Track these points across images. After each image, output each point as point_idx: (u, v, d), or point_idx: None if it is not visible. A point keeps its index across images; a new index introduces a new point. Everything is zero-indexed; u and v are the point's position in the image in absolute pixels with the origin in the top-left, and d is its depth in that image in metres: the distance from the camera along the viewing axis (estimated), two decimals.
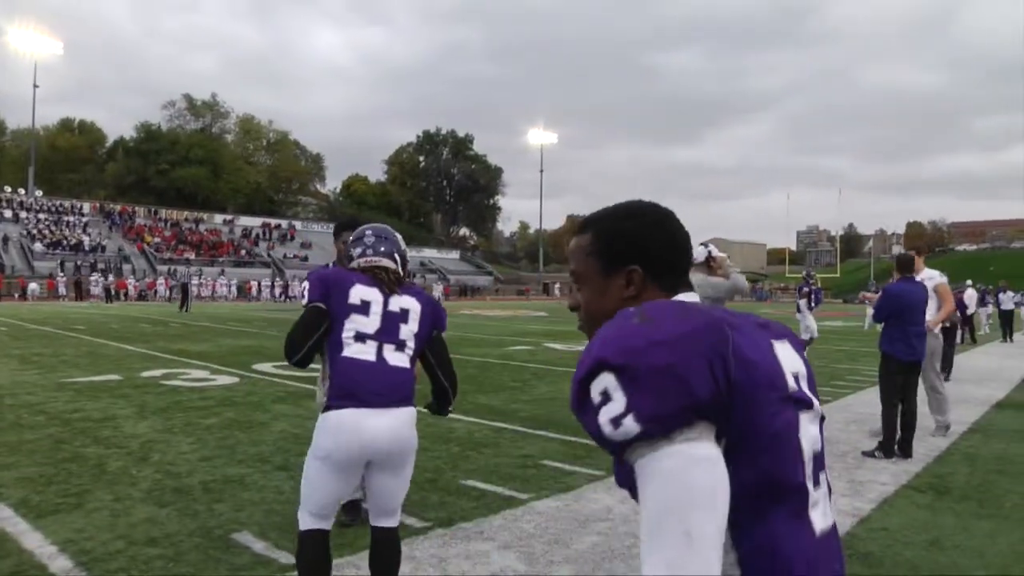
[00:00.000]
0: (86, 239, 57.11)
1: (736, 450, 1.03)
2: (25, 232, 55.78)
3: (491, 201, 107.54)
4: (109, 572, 3.62)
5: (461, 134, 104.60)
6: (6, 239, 52.64)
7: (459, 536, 4.17)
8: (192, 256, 60.05)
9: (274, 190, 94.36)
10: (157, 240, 62.02)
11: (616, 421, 0.98)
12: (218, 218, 73.24)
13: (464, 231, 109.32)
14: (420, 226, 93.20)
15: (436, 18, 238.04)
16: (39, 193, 65.29)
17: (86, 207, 65.37)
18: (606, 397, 0.99)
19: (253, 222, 74.00)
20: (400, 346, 2.80)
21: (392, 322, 2.80)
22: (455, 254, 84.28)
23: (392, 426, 2.73)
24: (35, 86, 65.97)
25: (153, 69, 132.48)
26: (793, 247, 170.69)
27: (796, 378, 1.12)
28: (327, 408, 2.71)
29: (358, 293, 2.77)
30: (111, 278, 45.79)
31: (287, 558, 3.74)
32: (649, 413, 0.96)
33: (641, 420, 0.96)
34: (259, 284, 54.67)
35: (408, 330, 2.83)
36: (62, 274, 46.96)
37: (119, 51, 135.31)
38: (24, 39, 65.26)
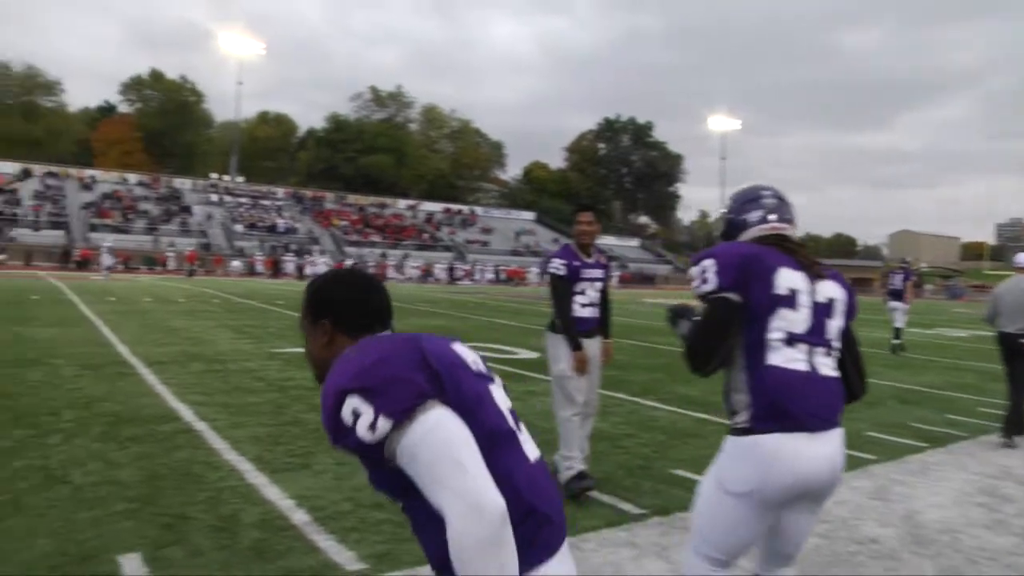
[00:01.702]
0: (280, 222, 61.15)
1: (460, 411, 1.42)
2: (228, 214, 60.50)
3: (671, 189, 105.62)
4: (343, 529, 3.78)
5: (641, 121, 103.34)
6: (211, 219, 57.33)
7: (678, 525, 4.02)
8: (377, 239, 62.80)
9: (456, 176, 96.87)
10: (344, 223, 65.33)
11: (372, 426, 1.35)
12: (402, 203, 75.98)
13: (643, 219, 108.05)
14: (599, 213, 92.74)
15: (615, 5, 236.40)
16: (240, 179, 70.54)
17: (280, 192, 70.04)
18: (356, 414, 1.36)
19: (435, 207, 76.27)
20: (829, 349, 2.22)
21: (820, 317, 2.19)
22: (634, 242, 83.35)
23: (831, 456, 2.15)
24: (239, 83, 71.53)
25: (342, 64, 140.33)
26: (991, 240, 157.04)
27: (475, 363, 1.59)
28: (747, 431, 2.15)
29: (785, 279, 2.16)
30: (304, 257, 48.86)
31: None
32: (394, 409, 1.35)
33: (391, 416, 1.35)
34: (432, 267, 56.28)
35: (834, 327, 2.24)
36: (259, 253, 50.48)
37: (312, 49, 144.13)
38: (232, 42, 70.54)
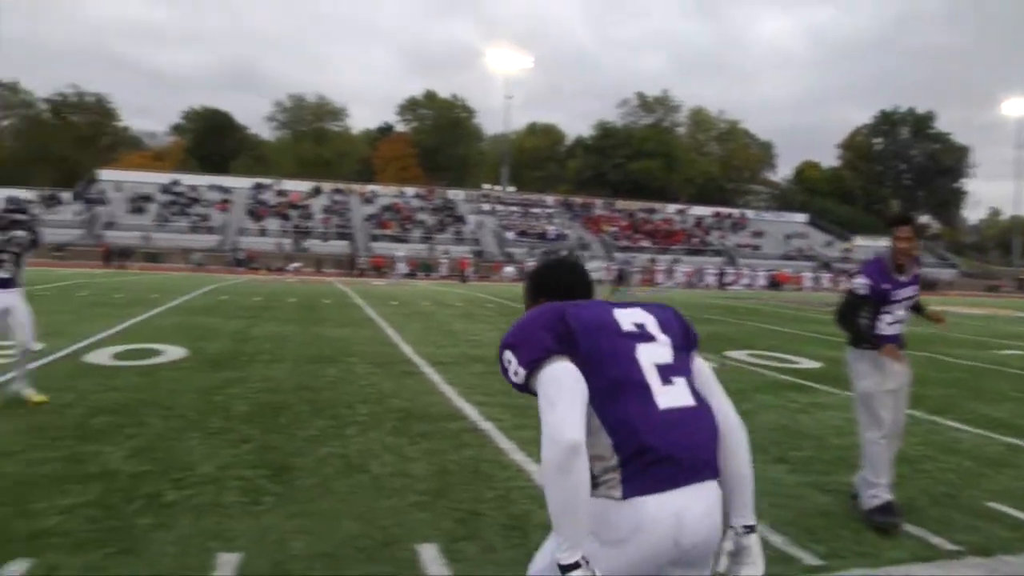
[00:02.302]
0: (550, 228, 63.16)
1: (589, 364, 1.80)
2: (499, 223, 63.55)
3: (956, 185, 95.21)
4: None
5: (921, 111, 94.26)
6: (483, 227, 60.58)
7: (1003, 571, 3.58)
8: (647, 244, 62.79)
9: (725, 179, 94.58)
10: (614, 229, 66.03)
11: (516, 372, 1.83)
12: (671, 208, 75.29)
13: (925, 218, 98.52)
14: (875, 214, 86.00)
15: None
16: (511, 189, 73.82)
17: (550, 200, 72.33)
18: (508, 362, 1.86)
19: (705, 211, 74.72)
20: None
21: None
22: None
23: None
24: (508, 97, 74.70)
25: (607, 73, 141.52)
26: None
27: (636, 324, 1.93)
28: None
29: None
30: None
31: (810, 557, 3.54)
32: (527, 360, 1.81)
33: (525, 366, 1.81)
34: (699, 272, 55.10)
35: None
36: (530, 259, 52.50)
37: (578, 60, 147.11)
38: (499, 58, 74.13)
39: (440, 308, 19.22)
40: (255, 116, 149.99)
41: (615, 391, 1.80)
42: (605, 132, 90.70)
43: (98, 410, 6.08)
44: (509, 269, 48.47)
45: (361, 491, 4.39)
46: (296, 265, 44.92)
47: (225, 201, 61.10)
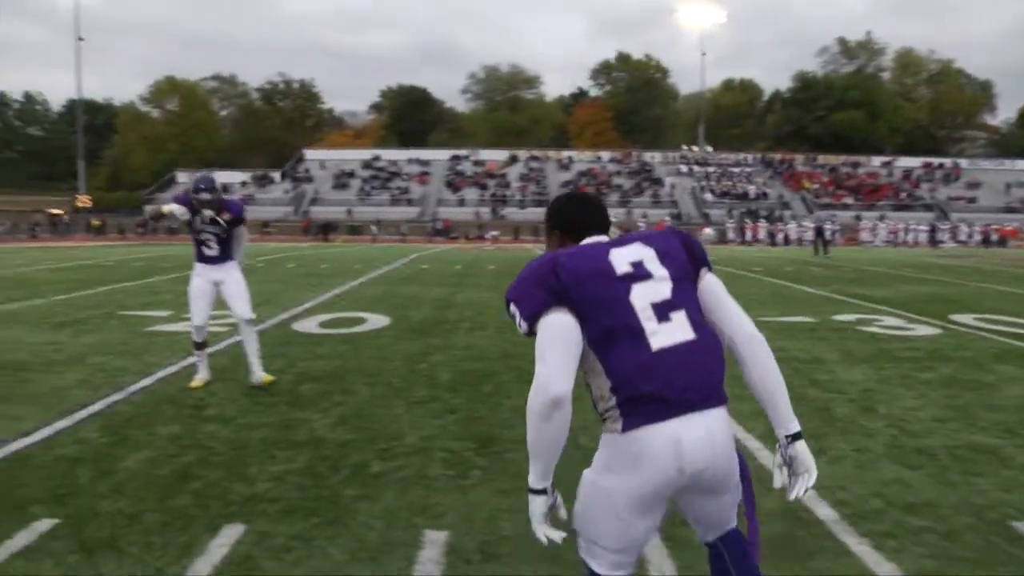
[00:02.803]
0: (750, 188, 60.51)
1: (584, 313, 1.86)
2: (697, 184, 61.64)
3: None
4: (877, 533, 3.24)
5: None
6: (676, 189, 58.94)
7: None
8: (850, 201, 59.04)
9: (936, 126, 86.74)
10: (816, 186, 62.38)
11: (520, 324, 1.92)
12: (876, 161, 70.33)
13: None
14: None
15: None
16: (709, 148, 71.36)
17: (748, 158, 69.29)
18: (513, 315, 1.94)
19: (913, 163, 68.96)
20: None
21: None
22: None
23: None
24: (703, 54, 72.20)
25: (804, 20, 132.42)
26: None
27: (632, 263, 1.94)
28: None
29: None
30: (773, 224, 47.69)
31: None
32: (527, 314, 1.89)
33: (525, 318, 1.90)
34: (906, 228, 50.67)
35: None
36: (730, 220, 50.54)
37: (771, 9, 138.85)
38: (693, 14, 71.52)
39: None
40: (451, 90, 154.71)
41: (609, 338, 1.86)
42: (804, 83, 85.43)
43: (306, 377, 6.17)
44: (709, 231, 46.92)
45: (572, 467, 4.02)
46: (494, 233, 45.88)
47: (424, 174, 63.42)
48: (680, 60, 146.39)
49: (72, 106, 73.71)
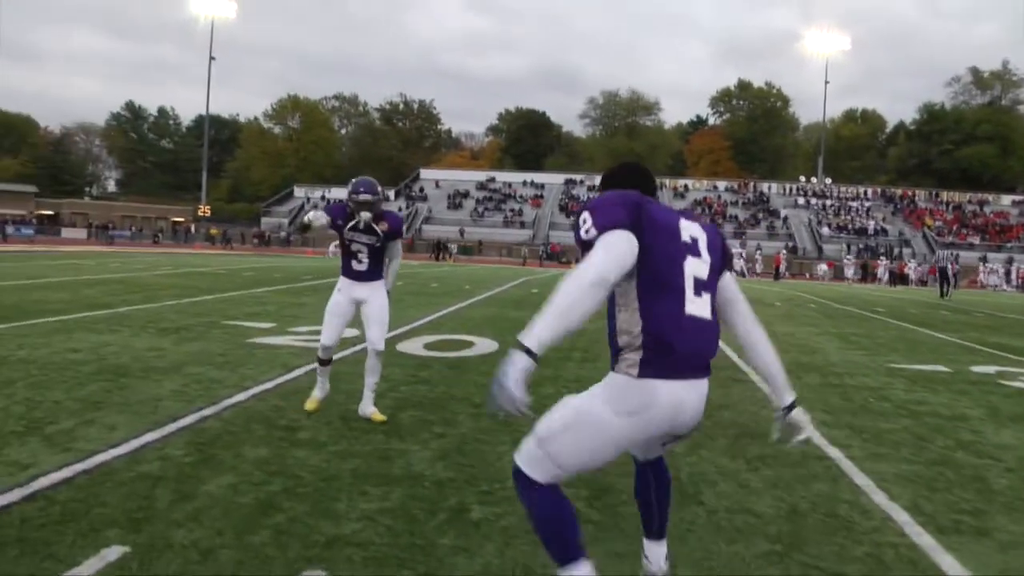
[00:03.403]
0: (869, 223, 57.91)
1: (647, 255, 2.16)
2: (814, 216, 59.43)
3: None
4: None
5: None
6: (793, 221, 56.87)
7: None
8: (976, 241, 55.78)
9: None
10: (938, 223, 59.26)
11: (588, 230, 2.17)
12: (1006, 199, 66.30)
13: None
14: None
15: None
16: (828, 181, 68.82)
17: (868, 192, 66.48)
18: (584, 221, 2.19)
19: None
20: None
21: None
22: None
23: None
24: (826, 82, 69.70)
25: (932, 49, 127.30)
26: None
27: (692, 238, 2.28)
28: None
29: None
30: (893, 262, 45.32)
31: None
32: (600, 222, 2.15)
33: (597, 225, 2.15)
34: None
35: None
36: (848, 256, 48.34)
37: (899, 37, 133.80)
38: (817, 41, 69.40)
39: (759, 308, 17.46)
40: (569, 114, 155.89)
41: (659, 288, 2.17)
42: (931, 115, 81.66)
43: (407, 403, 5.80)
44: (823, 267, 44.98)
45: (697, 528, 3.54)
46: None
47: (538, 197, 63.51)
48: (801, 88, 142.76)
49: (201, 121, 77.38)
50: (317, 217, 4.94)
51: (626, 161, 2.67)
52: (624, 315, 2.24)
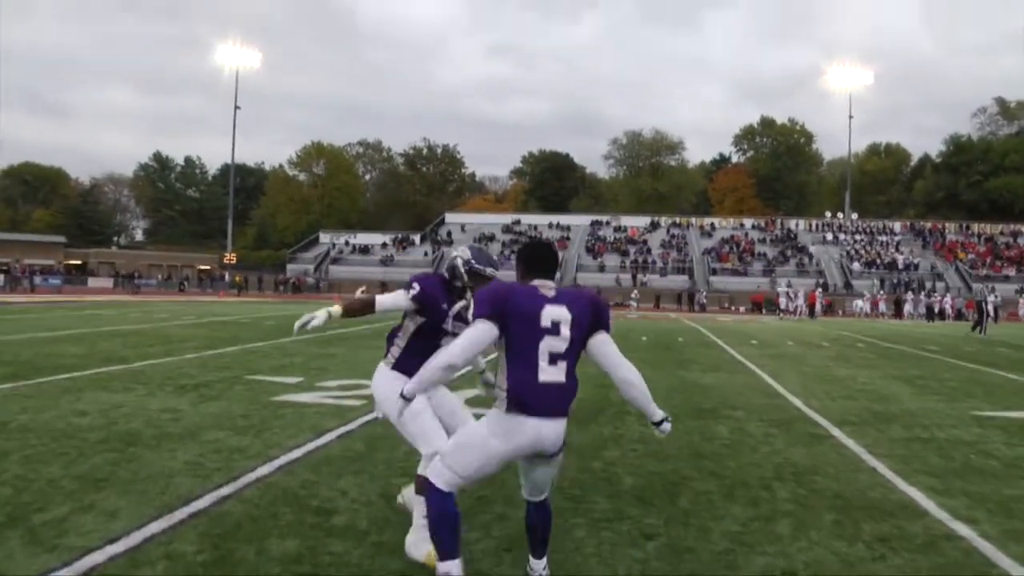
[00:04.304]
0: (899, 257, 56.73)
1: (509, 334, 2.92)
2: (843, 252, 58.33)
3: None
4: None
5: None
6: (823, 257, 55.80)
7: None
8: (1012, 272, 54.46)
9: None
10: (971, 256, 57.95)
11: (471, 317, 3.01)
12: None
13: None
14: None
15: None
16: (855, 216, 67.77)
17: (896, 226, 65.38)
18: (471, 308, 3.15)
19: None
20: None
21: None
22: None
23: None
24: (850, 117, 69.00)
25: (954, 83, 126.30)
26: None
27: (553, 323, 2.93)
28: None
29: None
30: (932, 296, 44.11)
31: None
32: (475, 314, 2.97)
33: (474, 316, 2.98)
34: None
35: None
36: (881, 291, 47.15)
37: (920, 72, 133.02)
38: (840, 75, 69.11)
39: (807, 349, 16.88)
40: (593, 156, 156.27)
41: (518, 359, 2.92)
42: (958, 147, 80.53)
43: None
44: (859, 303, 43.78)
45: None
46: (635, 297, 44.68)
47: (564, 238, 62.92)
48: (824, 125, 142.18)
49: (226, 170, 77.95)
50: (317, 318, 3.66)
51: (534, 241, 3.50)
52: (501, 370, 3.01)
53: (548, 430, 2.89)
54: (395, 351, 3.80)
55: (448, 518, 2.92)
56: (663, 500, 4.53)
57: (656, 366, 11.97)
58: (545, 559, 3.23)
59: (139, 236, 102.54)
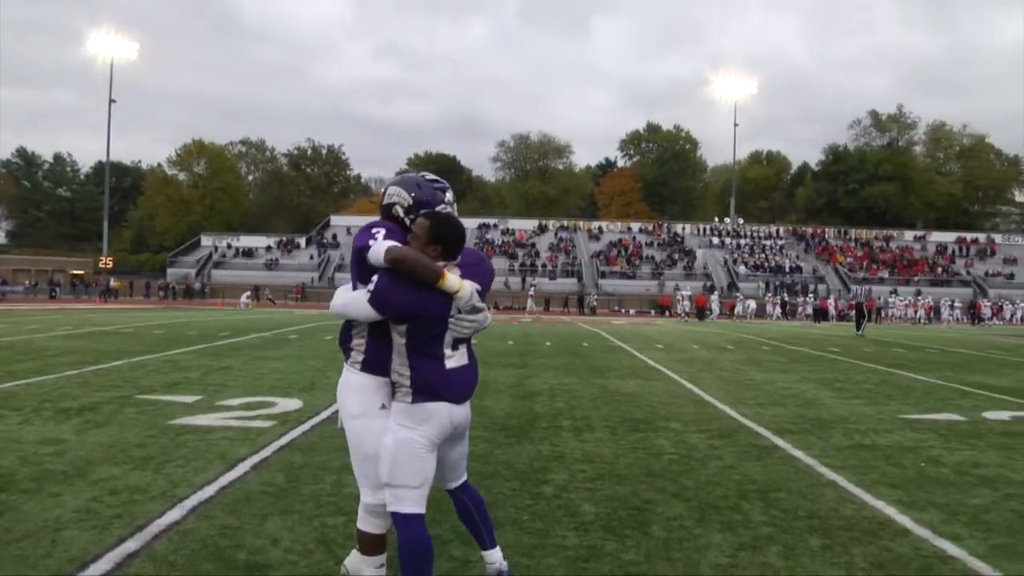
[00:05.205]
0: (784, 261, 59.01)
1: (414, 325, 2.73)
2: (729, 256, 60.22)
3: None
4: None
5: None
6: (709, 261, 57.48)
7: None
8: (885, 275, 57.83)
9: (969, 201, 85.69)
10: (850, 260, 61.02)
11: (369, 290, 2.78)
12: (908, 235, 69.48)
13: None
14: None
15: None
16: (740, 220, 70.14)
17: (780, 231, 68.05)
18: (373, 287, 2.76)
19: (947, 237, 68.27)
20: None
21: None
22: None
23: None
24: (735, 124, 71.45)
25: (829, 96, 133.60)
26: None
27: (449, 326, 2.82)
28: None
29: None
30: (816, 299, 46.05)
31: None
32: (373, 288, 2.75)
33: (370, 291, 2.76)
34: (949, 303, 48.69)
35: None
36: (769, 295, 48.77)
37: (797, 85, 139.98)
38: (725, 84, 71.60)
39: (715, 352, 16.94)
40: (480, 159, 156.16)
41: (423, 350, 2.76)
42: (835, 156, 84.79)
43: None
44: (751, 303, 45.13)
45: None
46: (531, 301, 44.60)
47: None
48: (708, 132, 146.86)
49: (100, 168, 73.68)
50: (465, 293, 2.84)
51: (450, 219, 2.90)
52: (397, 360, 2.82)
53: (459, 411, 2.85)
54: (357, 351, 2.96)
55: (420, 547, 2.71)
56: (634, 530, 4.07)
57: (572, 372, 11.62)
58: (498, 548, 3.05)
59: (1, 238, 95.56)
